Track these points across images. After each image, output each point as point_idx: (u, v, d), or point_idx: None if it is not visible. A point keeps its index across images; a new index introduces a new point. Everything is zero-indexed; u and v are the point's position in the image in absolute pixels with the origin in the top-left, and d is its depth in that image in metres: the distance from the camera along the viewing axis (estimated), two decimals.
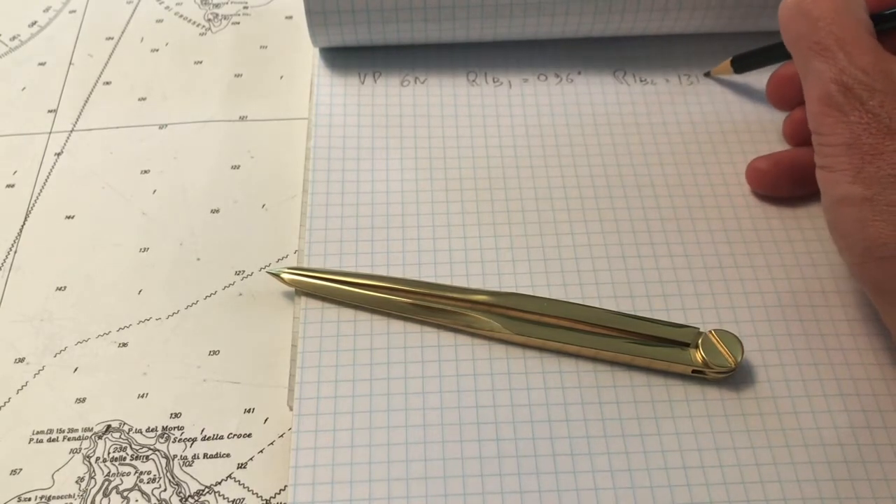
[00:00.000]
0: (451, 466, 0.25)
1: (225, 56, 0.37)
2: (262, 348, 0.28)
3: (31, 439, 0.26)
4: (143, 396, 0.27)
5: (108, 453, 0.26)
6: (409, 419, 0.26)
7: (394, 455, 0.25)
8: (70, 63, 0.37)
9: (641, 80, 0.35)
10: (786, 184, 0.30)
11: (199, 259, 0.30)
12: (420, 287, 0.28)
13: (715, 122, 0.33)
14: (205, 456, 0.26)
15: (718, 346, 0.26)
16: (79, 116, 0.35)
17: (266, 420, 0.27)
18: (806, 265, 0.29)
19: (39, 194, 0.32)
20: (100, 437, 0.26)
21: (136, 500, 0.25)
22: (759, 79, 0.35)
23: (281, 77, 0.36)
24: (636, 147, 0.32)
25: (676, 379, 0.27)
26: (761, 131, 0.33)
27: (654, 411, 0.26)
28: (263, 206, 0.32)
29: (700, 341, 0.26)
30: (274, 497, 0.25)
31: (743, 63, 0.33)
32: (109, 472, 0.26)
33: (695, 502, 0.24)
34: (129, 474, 0.26)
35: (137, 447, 0.26)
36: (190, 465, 0.26)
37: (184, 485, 0.26)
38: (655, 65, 0.35)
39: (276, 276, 0.29)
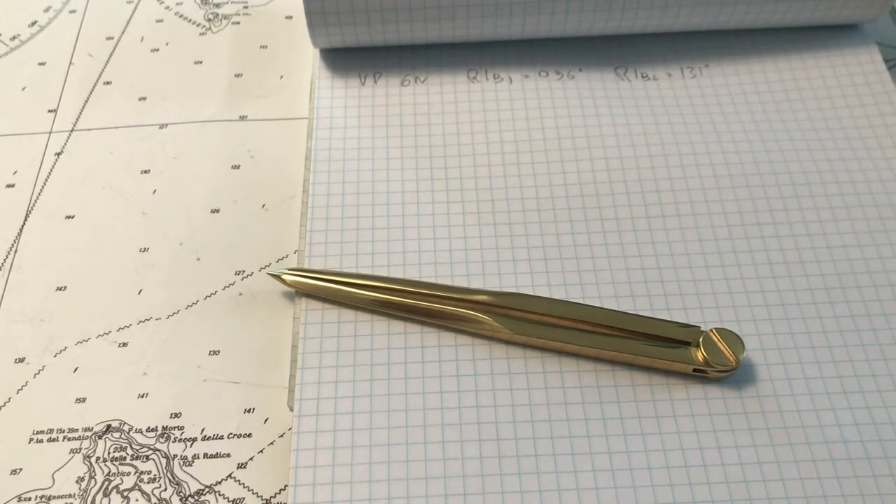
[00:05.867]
0: (451, 466, 0.25)
1: (225, 56, 0.37)
2: (262, 348, 0.28)
3: (31, 439, 0.26)
4: (143, 396, 0.27)
5: (108, 453, 0.26)
6: (409, 419, 0.26)
7: (394, 455, 0.25)
8: (70, 63, 0.37)
9: (643, 76, 0.35)
10: None
11: (199, 259, 0.30)
12: (420, 287, 0.28)
13: (719, 115, 0.33)
14: (205, 456, 0.26)
15: (720, 344, 0.26)
16: (79, 116, 0.35)
17: (266, 420, 0.27)
18: (809, 262, 0.29)
19: (39, 194, 0.32)
20: (100, 437, 0.26)
21: (137, 500, 0.25)
22: (762, 73, 0.34)
23: (281, 77, 0.36)
24: (638, 143, 0.32)
25: (678, 378, 0.27)
26: (766, 121, 0.33)
27: (655, 410, 0.26)
28: (263, 206, 0.32)
29: (701, 340, 0.26)
30: (274, 497, 0.25)
31: None
32: (109, 472, 0.26)
33: (696, 501, 0.24)
34: (129, 474, 0.26)
35: (137, 447, 0.26)
36: (190, 465, 0.26)
37: (184, 484, 0.26)
38: (657, 60, 0.35)
39: (277, 277, 0.29)
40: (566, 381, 0.26)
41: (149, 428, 0.27)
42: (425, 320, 0.28)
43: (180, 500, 0.25)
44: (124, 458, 0.26)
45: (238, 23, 0.38)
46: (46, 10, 0.39)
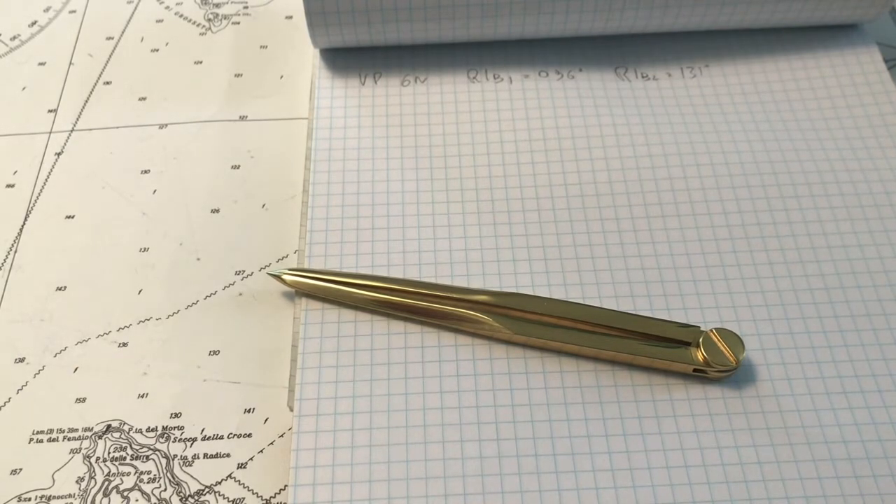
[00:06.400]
0: (451, 466, 0.25)
1: (225, 56, 0.37)
2: (262, 348, 0.28)
3: (31, 439, 0.26)
4: (143, 396, 0.27)
5: (108, 453, 0.26)
6: (409, 419, 0.26)
7: (394, 455, 0.25)
8: (70, 63, 0.37)
9: (643, 76, 0.35)
10: None
11: (199, 259, 0.30)
12: (420, 287, 0.28)
13: (719, 115, 0.33)
14: (205, 456, 0.26)
15: (720, 344, 0.26)
16: (79, 116, 0.35)
17: (266, 420, 0.27)
18: (809, 262, 0.29)
19: (39, 194, 0.32)
20: (100, 437, 0.26)
21: (137, 500, 0.25)
22: (762, 73, 0.34)
23: (281, 77, 0.36)
24: (639, 143, 0.32)
25: (678, 378, 0.27)
26: (766, 121, 0.33)
27: (655, 410, 0.26)
28: (263, 206, 0.32)
29: (701, 340, 0.26)
30: (274, 497, 0.25)
31: None
32: (109, 472, 0.26)
33: (696, 501, 0.24)
34: (129, 474, 0.26)
35: (137, 447, 0.26)
36: (190, 465, 0.26)
37: (184, 485, 0.26)
38: (657, 60, 0.35)
39: (277, 277, 0.29)
40: (566, 381, 0.26)
41: (149, 428, 0.27)
42: (425, 320, 0.28)
43: (180, 500, 0.25)
44: (124, 458, 0.26)
45: (238, 23, 0.38)
46: (46, 10, 0.39)
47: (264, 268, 0.30)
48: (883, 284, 0.28)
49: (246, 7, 0.39)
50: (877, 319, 0.28)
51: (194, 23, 0.38)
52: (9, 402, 0.27)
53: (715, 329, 0.26)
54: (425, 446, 0.25)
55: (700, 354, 0.26)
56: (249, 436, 0.26)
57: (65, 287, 0.30)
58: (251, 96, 0.35)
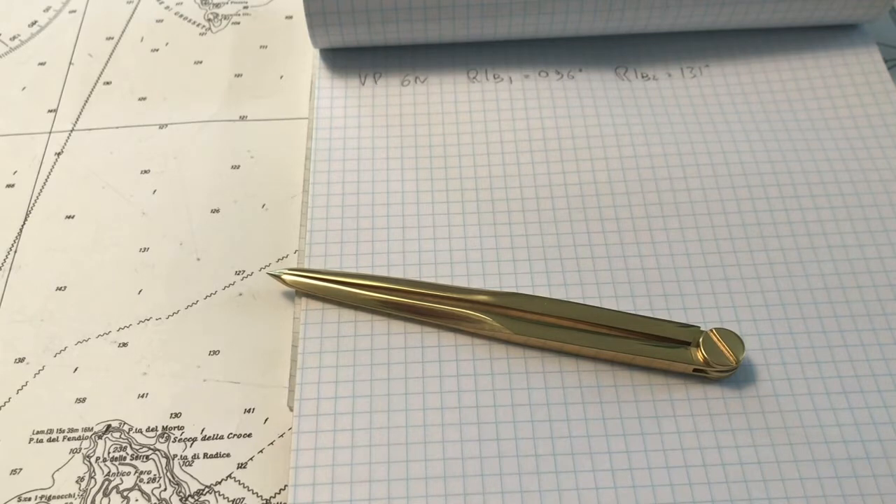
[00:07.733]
0: (451, 466, 0.25)
1: (225, 56, 0.37)
2: (262, 348, 0.28)
3: (31, 439, 0.26)
4: (143, 396, 0.27)
5: (108, 453, 0.26)
6: (409, 419, 0.26)
7: (394, 455, 0.25)
8: (70, 63, 0.37)
9: (643, 76, 0.35)
10: None
11: (199, 259, 0.30)
12: (420, 287, 0.28)
13: (719, 115, 0.33)
14: (205, 456, 0.26)
15: (720, 344, 0.26)
16: (79, 116, 0.35)
17: (266, 420, 0.27)
18: (809, 262, 0.29)
19: (39, 194, 0.32)
20: (100, 437, 0.26)
21: (137, 500, 0.25)
22: (762, 73, 0.34)
23: (281, 77, 0.36)
24: (639, 143, 0.32)
25: (678, 378, 0.27)
26: (766, 121, 0.33)
27: (655, 410, 0.26)
28: (263, 206, 0.32)
29: (701, 340, 0.26)
30: (274, 497, 0.25)
31: None
32: (109, 472, 0.26)
33: (696, 501, 0.24)
34: (129, 474, 0.26)
35: (137, 447, 0.26)
36: (190, 465, 0.26)
37: (184, 484, 0.26)
38: (657, 60, 0.35)
39: (277, 277, 0.29)
40: (566, 381, 0.26)
41: (149, 428, 0.27)
42: (425, 320, 0.28)
43: (180, 500, 0.25)
44: (124, 458, 0.26)
45: (238, 23, 0.38)
46: (46, 10, 0.39)
47: (264, 268, 0.30)
48: (883, 284, 0.28)
49: (246, 7, 0.39)
50: (877, 319, 0.28)
51: (194, 23, 0.38)
52: (9, 402, 0.27)
53: (715, 329, 0.26)
54: (425, 446, 0.25)
55: (700, 354, 0.26)
56: (249, 436, 0.26)
57: (65, 287, 0.30)
58: (251, 96, 0.35)
